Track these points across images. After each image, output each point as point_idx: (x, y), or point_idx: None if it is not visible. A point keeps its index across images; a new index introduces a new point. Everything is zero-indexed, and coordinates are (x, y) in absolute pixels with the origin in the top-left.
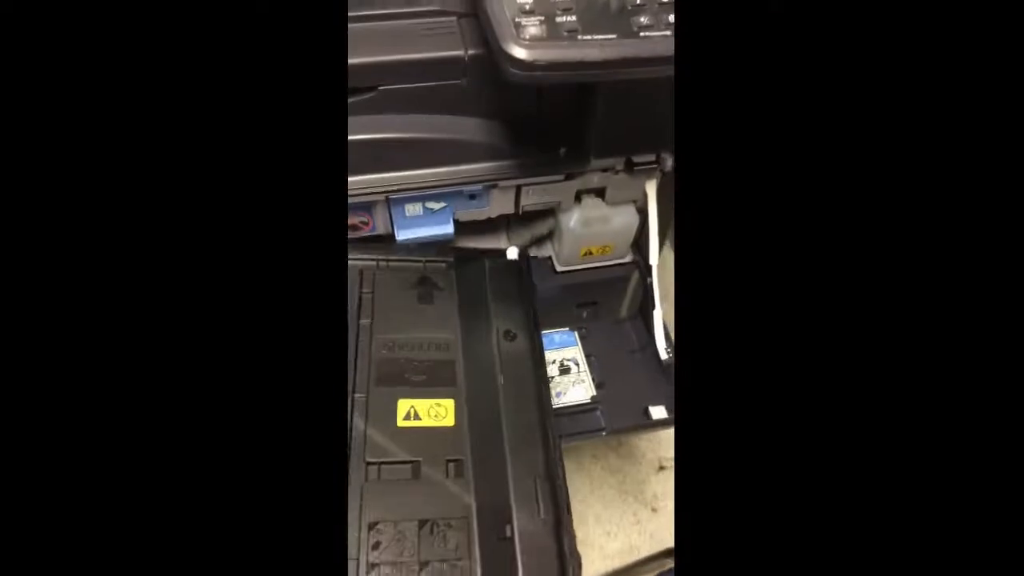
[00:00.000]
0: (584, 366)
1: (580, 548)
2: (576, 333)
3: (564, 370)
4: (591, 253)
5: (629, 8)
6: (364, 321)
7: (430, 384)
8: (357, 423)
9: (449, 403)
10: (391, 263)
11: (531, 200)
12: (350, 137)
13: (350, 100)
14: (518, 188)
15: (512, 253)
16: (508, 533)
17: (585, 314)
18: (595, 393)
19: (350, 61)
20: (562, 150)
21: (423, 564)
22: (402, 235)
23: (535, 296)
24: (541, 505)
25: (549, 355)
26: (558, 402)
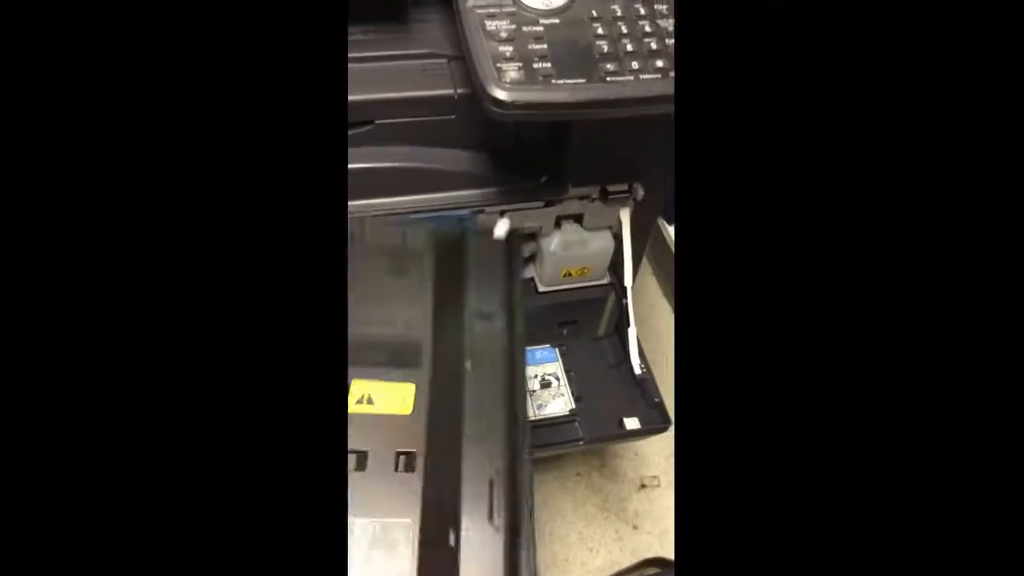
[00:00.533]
0: (564, 380)
1: (563, 565)
2: (557, 349)
3: (545, 384)
4: (570, 275)
5: (597, 56)
6: None
7: (391, 366)
8: None
9: (409, 388)
10: (365, 233)
11: (515, 226)
12: (349, 166)
13: (350, 132)
14: (502, 213)
15: (500, 229)
16: (452, 541)
17: (565, 332)
18: (574, 406)
19: (351, 98)
20: (542, 179)
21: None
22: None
23: (521, 278)
24: (495, 508)
25: (531, 370)
26: (539, 414)
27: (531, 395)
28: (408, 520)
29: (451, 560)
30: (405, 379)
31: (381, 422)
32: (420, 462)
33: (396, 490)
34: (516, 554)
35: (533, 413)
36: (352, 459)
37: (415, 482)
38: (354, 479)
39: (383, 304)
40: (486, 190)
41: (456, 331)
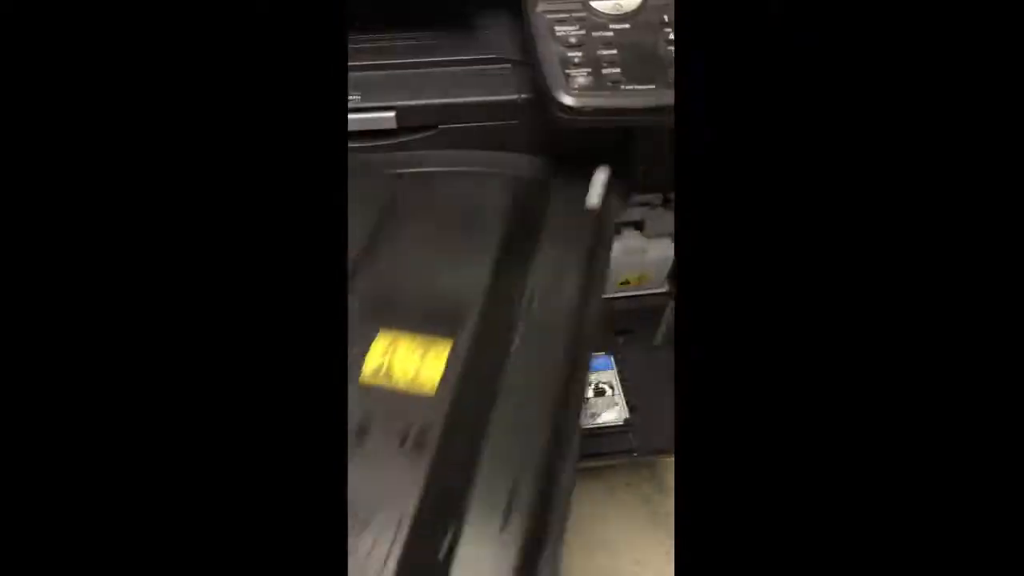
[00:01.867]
0: (619, 390)
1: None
2: (612, 358)
3: (599, 392)
4: (628, 283)
5: (667, 62)
6: (381, 236)
7: (427, 322)
8: None
9: (442, 352)
10: (436, 176)
11: None
12: (409, 170)
13: (414, 137)
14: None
15: (595, 194)
16: (441, 554)
17: (622, 340)
18: (628, 416)
19: (416, 102)
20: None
21: None
22: None
23: (609, 255)
24: (511, 516)
25: None
26: (592, 422)
27: (586, 403)
28: (397, 518)
29: (442, 573)
30: (441, 337)
31: (395, 400)
32: (433, 440)
33: (394, 483)
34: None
35: (587, 422)
36: (352, 431)
37: (417, 476)
38: (350, 459)
39: (437, 251)
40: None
41: (517, 294)
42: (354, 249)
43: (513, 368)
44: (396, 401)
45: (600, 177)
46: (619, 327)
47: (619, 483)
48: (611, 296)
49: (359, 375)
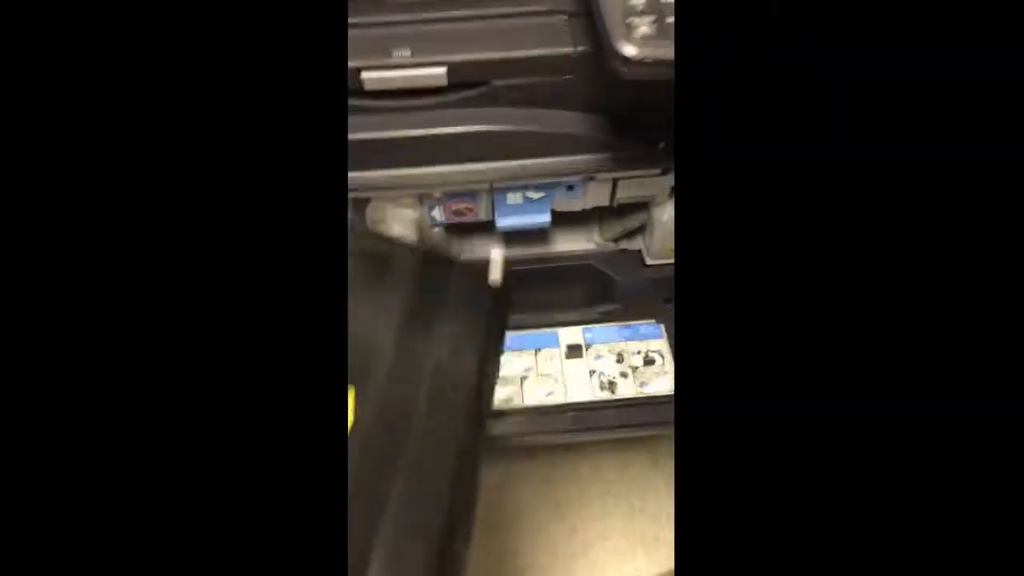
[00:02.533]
0: (669, 358)
1: (652, 544)
2: (662, 326)
3: (648, 361)
4: None
5: None
6: None
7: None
8: None
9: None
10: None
11: (626, 193)
12: (460, 129)
13: (463, 95)
14: (615, 181)
15: (495, 270)
16: None
17: (671, 307)
18: None
19: (467, 57)
20: (661, 145)
21: None
22: (502, 222)
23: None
24: None
25: (634, 345)
26: (641, 392)
27: (633, 372)
28: None
29: None
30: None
31: None
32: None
33: None
34: None
35: (635, 391)
36: None
37: None
38: None
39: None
40: (600, 155)
41: (420, 355)
42: None
43: (416, 439)
44: None
45: (496, 255)
46: (669, 295)
47: (664, 453)
48: (662, 262)
49: None
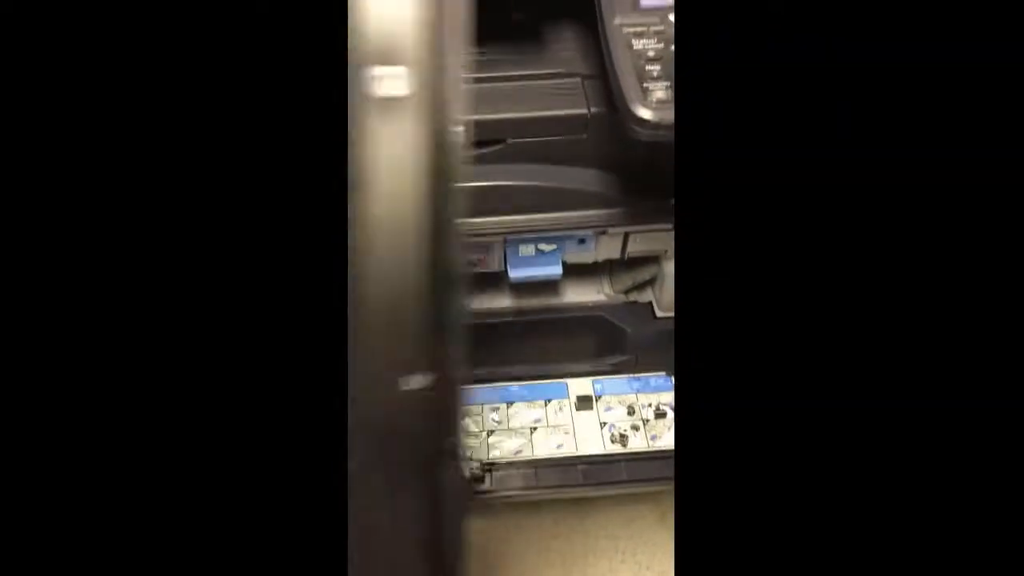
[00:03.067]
0: None
1: None
2: (672, 378)
3: (660, 414)
4: None
5: None
6: None
7: None
8: None
9: None
10: None
11: (637, 247)
12: (477, 184)
13: (482, 151)
14: (626, 235)
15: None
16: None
17: None
18: None
19: (485, 116)
20: (671, 201)
21: None
22: (514, 273)
23: None
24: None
25: (644, 398)
26: (652, 445)
27: (644, 424)
28: None
29: None
30: None
31: None
32: None
33: None
34: None
35: (647, 444)
36: None
37: None
38: None
39: None
40: (611, 211)
41: None
42: None
43: None
44: None
45: None
46: None
47: (671, 507)
48: (672, 315)
49: None
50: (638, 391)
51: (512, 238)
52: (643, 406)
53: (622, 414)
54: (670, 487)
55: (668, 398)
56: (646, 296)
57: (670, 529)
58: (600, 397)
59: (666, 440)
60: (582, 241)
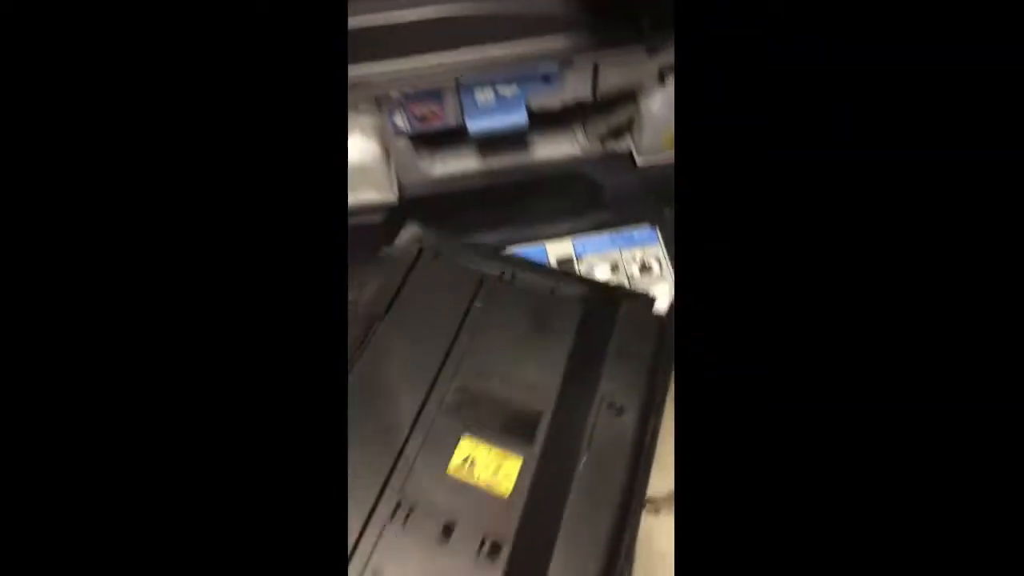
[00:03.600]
0: (667, 264)
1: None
2: (657, 229)
3: (645, 268)
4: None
5: None
6: (464, 336)
7: (504, 432)
8: (408, 452)
9: (515, 464)
10: (516, 278)
11: (610, 82)
12: (420, 13)
13: None
14: (595, 68)
15: (662, 302)
16: None
17: (667, 211)
18: None
19: None
20: (644, 22)
21: None
22: (474, 125)
23: (668, 365)
24: None
25: (628, 253)
26: None
27: (630, 281)
28: None
29: None
30: (514, 451)
31: (477, 496)
32: (505, 554)
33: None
34: None
35: None
36: (439, 526)
37: (495, 575)
38: (435, 550)
39: (512, 361)
40: (578, 36)
41: (581, 415)
42: (443, 345)
43: (579, 486)
44: (477, 507)
45: (665, 295)
46: (666, 196)
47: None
48: (656, 162)
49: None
50: (621, 247)
51: (466, 81)
52: (627, 262)
53: (605, 272)
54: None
55: (653, 251)
56: (624, 144)
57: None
58: (582, 258)
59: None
60: (546, 79)
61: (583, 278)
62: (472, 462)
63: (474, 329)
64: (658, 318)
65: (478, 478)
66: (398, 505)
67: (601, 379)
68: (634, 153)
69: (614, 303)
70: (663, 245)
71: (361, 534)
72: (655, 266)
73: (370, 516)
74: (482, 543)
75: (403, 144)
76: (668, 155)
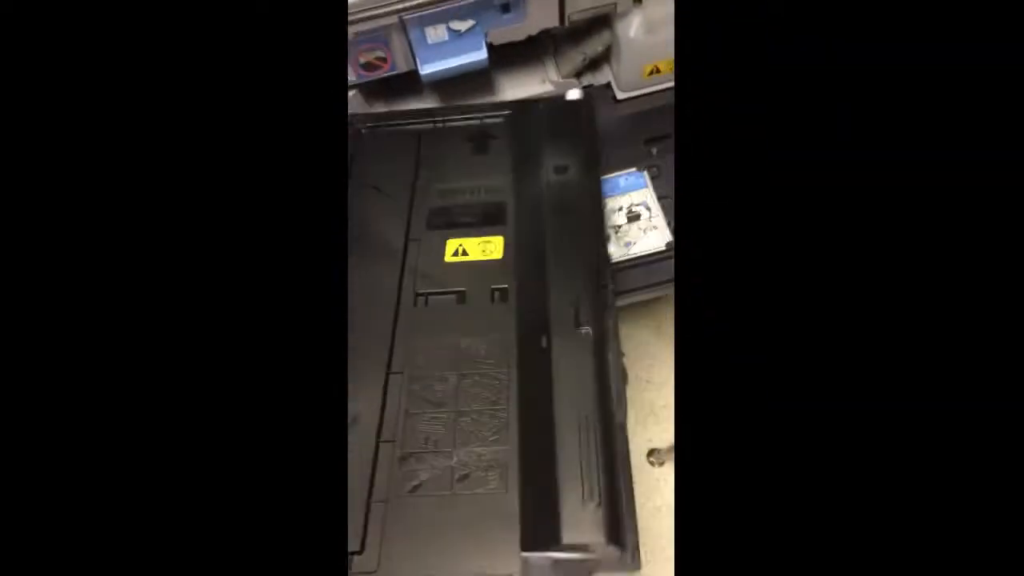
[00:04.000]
0: (657, 210)
1: (660, 412)
2: (645, 173)
3: (633, 216)
4: (658, 71)
5: None
6: (421, 178)
7: (480, 225)
8: (410, 261)
9: (498, 240)
10: (447, 123)
11: (579, 5)
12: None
13: None
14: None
15: (573, 94)
16: (544, 344)
17: (655, 150)
18: (671, 239)
19: None
20: None
21: (461, 376)
22: (427, 69)
23: (597, 134)
24: (581, 321)
25: (615, 201)
26: (628, 253)
27: (616, 231)
28: (506, 337)
29: (546, 360)
30: (494, 233)
31: (476, 267)
32: (512, 295)
33: (494, 317)
34: (603, 356)
35: (622, 253)
36: (454, 297)
37: (509, 311)
38: (456, 310)
39: (469, 177)
40: None
41: (536, 188)
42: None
43: (551, 233)
44: (478, 274)
45: (575, 90)
46: (651, 134)
47: (667, 319)
48: (637, 93)
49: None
50: (607, 195)
51: (412, 18)
52: (614, 211)
53: None
54: (658, 293)
55: (640, 197)
56: (603, 77)
57: (667, 341)
58: None
59: (643, 245)
60: (505, 8)
61: (502, 103)
62: (463, 250)
63: (429, 168)
64: (573, 101)
65: (472, 258)
66: (416, 297)
67: (543, 155)
68: (613, 86)
69: (536, 107)
70: (652, 189)
71: (395, 320)
72: (643, 213)
73: (398, 307)
74: (492, 294)
75: (354, 98)
76: (650, 85)
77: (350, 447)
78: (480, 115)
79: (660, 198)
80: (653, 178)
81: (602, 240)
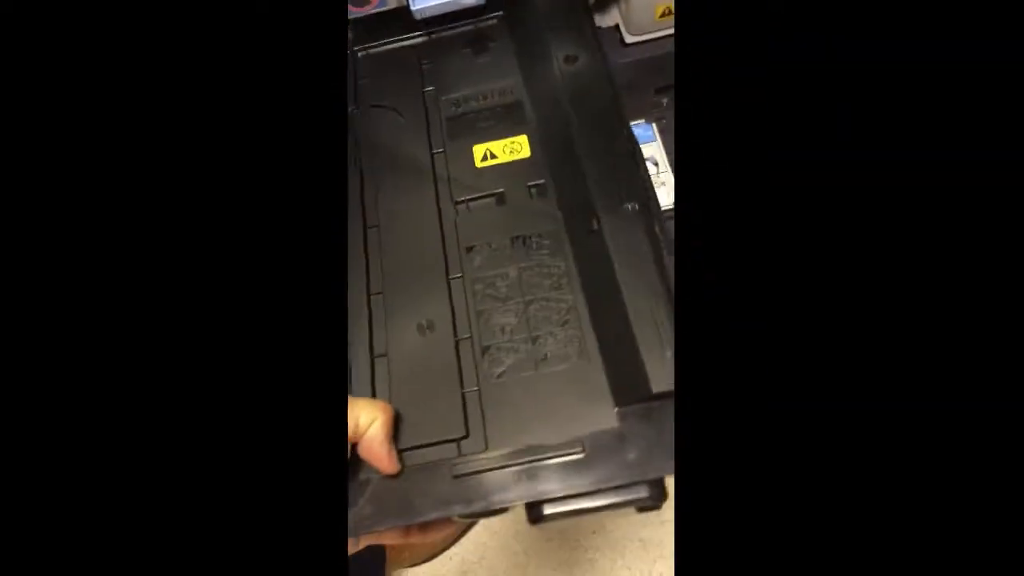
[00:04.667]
0: (665, 165)
1: None
2: (654, 125)
3: None
4: (671, 12)
5: None
6: (428, 89)
7: (501, 127)
8: (440, 172)
9: (522, 139)
10: (441, 33)
11: None
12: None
13: None
14: None
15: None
16: (595, 226)
17: (666, 100)
18: None
19: None
20: None
21: (521, 268)
22: (418, 3)
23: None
24: (625, 198)
25: None
26: None
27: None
28: (554, 227)
29: (599, 239)
30: (517, 132)
31: (508, 167)
32: (550, 188)
33: (537, 211)
34: (652, 227)
35: None
36: (492, 200)
37: (550, 203)
38: (498, 211)
39: (478, 83)
40: None
41: (549, 82)
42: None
43: (574, 120)
44: (512, 174)
45: None
46: (661, 82)
47: None
48: (647, 38)
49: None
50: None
51: None
52: None
53: None
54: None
55: (648, 152)
56: (610, 19)
57: None
58: None
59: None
60: None
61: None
62: (491, 154)
63: (434, 80)
64: None
65: (501, 160)
66: (456, 205)
67: (551, 46)
68: (621, 28)
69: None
70: (661, 142)
71: (441, 229)
72: (652, 168)
73: (440, 216)
74: (528, 191)
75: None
76: (661, 28)
77: (429, 351)
78: (473, 19)
79: (670, 152)
80: (662, 131)
81: (626, 121)
